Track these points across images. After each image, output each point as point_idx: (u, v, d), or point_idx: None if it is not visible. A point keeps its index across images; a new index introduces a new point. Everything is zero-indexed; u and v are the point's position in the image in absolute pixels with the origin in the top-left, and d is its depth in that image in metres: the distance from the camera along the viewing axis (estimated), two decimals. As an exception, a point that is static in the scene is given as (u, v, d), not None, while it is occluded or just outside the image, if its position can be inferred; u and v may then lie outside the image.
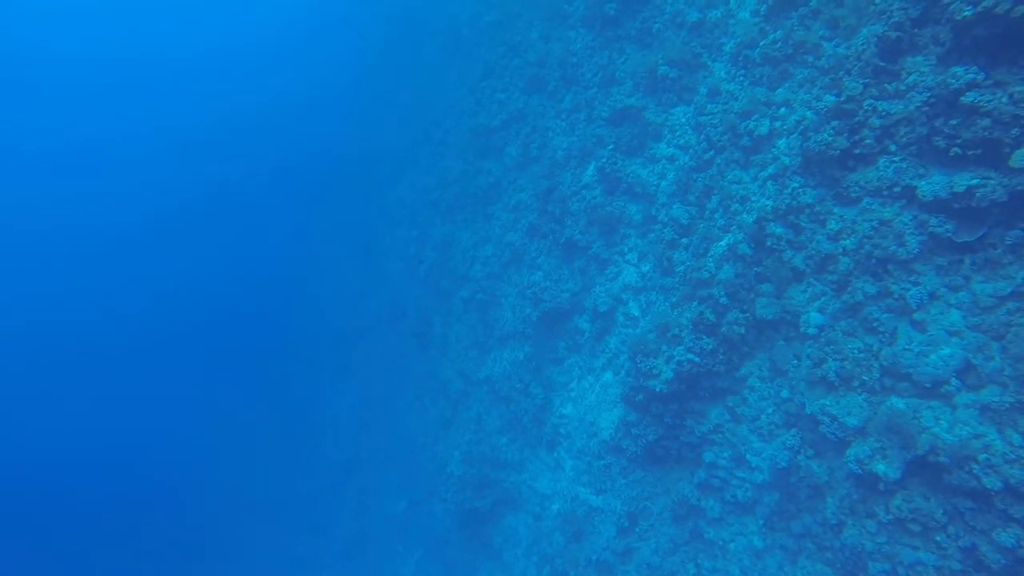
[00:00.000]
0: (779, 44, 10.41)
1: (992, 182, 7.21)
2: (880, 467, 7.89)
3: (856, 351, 8.56)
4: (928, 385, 7.72)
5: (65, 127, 65.78)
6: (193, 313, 55.61)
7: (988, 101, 7.14)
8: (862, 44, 8.66)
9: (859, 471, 8.10)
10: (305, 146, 47.64)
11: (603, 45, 15.21)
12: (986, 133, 7.18)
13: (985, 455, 7.02)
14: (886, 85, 8.43)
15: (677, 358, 10.51)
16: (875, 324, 8.40)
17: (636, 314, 13.11)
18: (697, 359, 10.30)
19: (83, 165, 65.18)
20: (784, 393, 9.69)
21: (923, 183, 7.89)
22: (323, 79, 49.47)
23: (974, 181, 7.34)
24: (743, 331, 10.00)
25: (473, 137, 20.70)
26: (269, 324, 45.04)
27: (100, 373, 52.08)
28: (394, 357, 26.11)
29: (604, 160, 14.18)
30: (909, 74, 8.30)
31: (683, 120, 12.96)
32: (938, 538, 7.67)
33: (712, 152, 11.70)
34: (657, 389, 10.84)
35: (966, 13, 7.33)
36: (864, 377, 8.41)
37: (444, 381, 20.90)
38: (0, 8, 64.81)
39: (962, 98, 7.36)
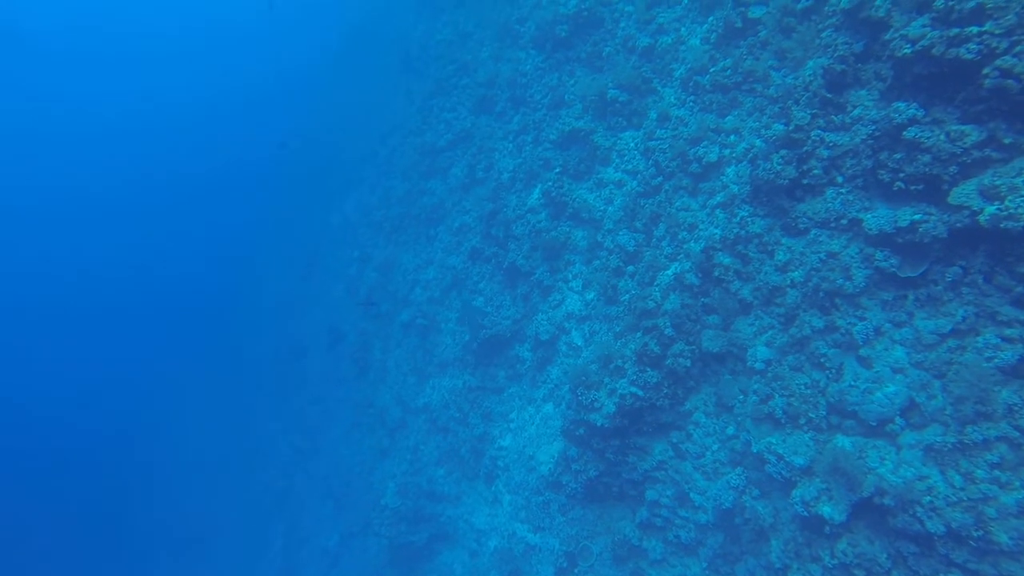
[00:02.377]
0: (729, 72, 10.32)
1: (933, 218, 7.12)
2: (826, 509, 7.57)
3: (803, 387, 8.30)
4: (874, 424, 7.49)
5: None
6: (121, 310, 52.70)
7: (928, 137, 7.09)
8: (809, 75, 8.58)
9: (805, 513, 7.76)
10: (252, 154, 46.16)
11: (553, 67, 14.97)
12: (927, 169, 7.12)
13: (928, 498, 6.79)
14: (833, 117, 8.36)
15: (620, 391, 10.05)
16: (822, 359, 8.17)
17: (579, 344, 12.66)
18: (640, 392, 9.87)
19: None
20: (730, 430, 9.35)
21: (869, 216, 7.77)
22: (275, 87, 48.35)
23: (916, 216, 7.24)
24: (688, 364, 9.65)
25: (419, 156, 20.12)
26: (205, 337, 42.75)
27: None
28: (332, 381, 24.93)
29: (550, 183, 13.82)
30: (854, 107, 8.25)
31: (632, 145, 12.75)
32: (882, 584, 7.38)
33: (660, 178, 11.47)
34: (598, 423, 10.34)
35: (906, 50, 7.31)
36: (811, 414, 8.15)
37: (382, 408, 19.93)
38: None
39: (904, 133, 7.29)
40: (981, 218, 6.46)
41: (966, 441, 6.66)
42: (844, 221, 8.13)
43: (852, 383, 7.77)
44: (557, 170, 13.99)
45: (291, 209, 34.87)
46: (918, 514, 6.79)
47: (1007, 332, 6.55)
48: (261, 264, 37.23)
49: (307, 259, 29.95)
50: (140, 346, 48.44)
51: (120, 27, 67.47)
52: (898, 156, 7.42)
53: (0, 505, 40.62)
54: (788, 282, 8.69)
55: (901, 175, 7.37)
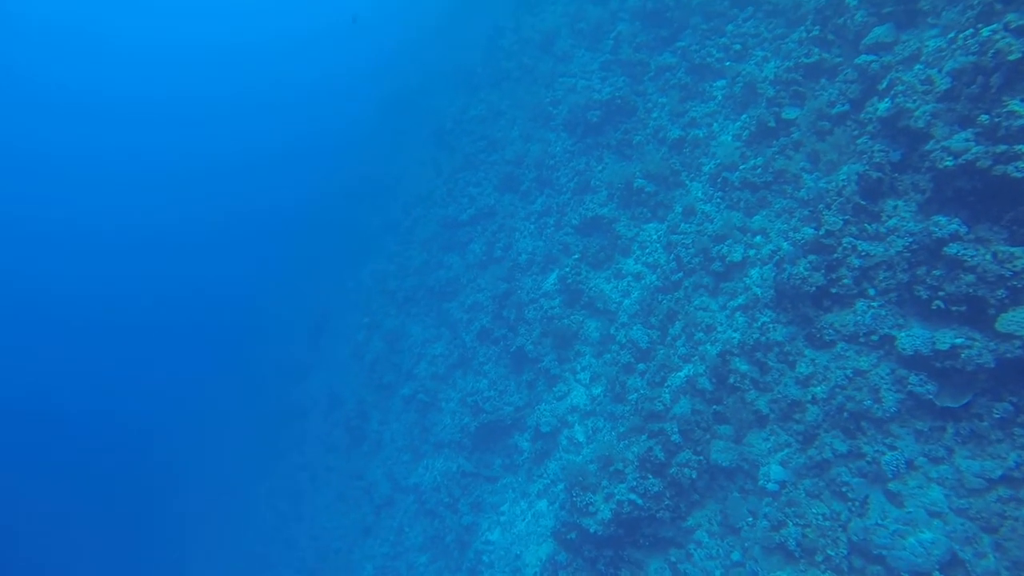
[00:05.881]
0: (759, 170, 10.00)
1: (978, 344, 6.40)
2: (844, 672, 6.46)
3: (821, 518, 7.35)
4: (906, 575, 6.47)
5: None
6: (115, 355, 52.70)
7: (972, 256, 6.49)
8: (843, 180, 8.16)
9: (819, 673, 6.64)
10: (279, 208, 47.31)
11: (582, 151, 14.91)
12: (971, 290, 6.48)
13: None
14: (866, 225, 7.85)
15: (617, 497, 9.13)
16: (844, 489, 7.26)
17: (581, 440, 11.78)
18: (640, 501, 8.94)
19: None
20: (735, 555, 8.31)
21: (903, 335, 7.07)
22: (308, 152, 50.05)
23: (958, 340, 6.53)
24: (694, 476, 8.75)
25: (440, 229, 20.03)
26: (202, 388, 42.09)
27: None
28: (325, 447, 23.97)
29: (568, 269, 13.39)
30: (890, 217, 7.75)
31: (654, 237, 12.35)
32: None
33: (681, 274, 10.97)
34: (592, 530, 9.35)
35: (947, 163, 6.87)
36: (829, 551, 7.15)
37: (371, 482, 18.90)
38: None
39: (945, 249, 6.72)
40: (1035, 350, 5.76)
41: (1025, 617, 5.64)
42: (875, 337, 7.44)
43: (879, 521, 6.83)
44: (576, 256, 13.61)
45: (306, 269, 35.10)
46: None
47: (1068, 486, 5.67)
48: (268, 321, 37.05)
49: (317, 320, 29.68)
50: (133, 392, 48.05)
51: (173, 81, 72.15)
52: (937, 273, 6.82)
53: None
54: (809, 397, 7.91)
55: (941, 293, 6.74)
